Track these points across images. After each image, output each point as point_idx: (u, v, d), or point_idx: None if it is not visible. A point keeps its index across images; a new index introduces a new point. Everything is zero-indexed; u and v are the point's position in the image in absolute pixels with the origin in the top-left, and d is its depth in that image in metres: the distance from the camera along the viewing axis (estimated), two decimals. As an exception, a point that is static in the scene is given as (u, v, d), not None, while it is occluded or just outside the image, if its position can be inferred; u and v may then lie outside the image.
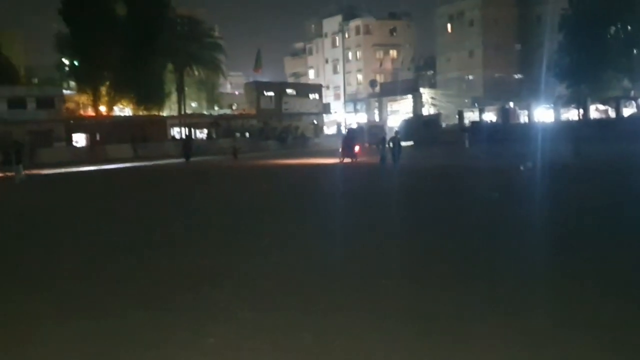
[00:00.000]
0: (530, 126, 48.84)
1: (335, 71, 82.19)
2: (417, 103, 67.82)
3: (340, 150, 32.36)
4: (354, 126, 63.15)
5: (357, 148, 31.96)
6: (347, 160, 30.75)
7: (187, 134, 54.84)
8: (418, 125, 53.88)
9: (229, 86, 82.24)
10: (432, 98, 69.66)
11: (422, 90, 70.08)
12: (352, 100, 76.87)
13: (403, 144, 29.37)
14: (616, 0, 47.43)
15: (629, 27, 49.42)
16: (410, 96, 68.55)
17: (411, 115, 63.56)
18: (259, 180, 23.16)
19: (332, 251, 8.67)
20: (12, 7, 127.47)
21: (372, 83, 75.52)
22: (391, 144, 27.05)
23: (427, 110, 67.32)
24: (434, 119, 57.46)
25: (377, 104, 73.44)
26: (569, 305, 5.71)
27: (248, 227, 11.00)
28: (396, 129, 39.81)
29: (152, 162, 38.59)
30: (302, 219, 12.09)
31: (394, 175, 22.38)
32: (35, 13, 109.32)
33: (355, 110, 74.95)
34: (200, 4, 74.94)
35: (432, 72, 76.92)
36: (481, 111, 56.26)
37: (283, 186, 20.28)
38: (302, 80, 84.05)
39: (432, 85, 73.31)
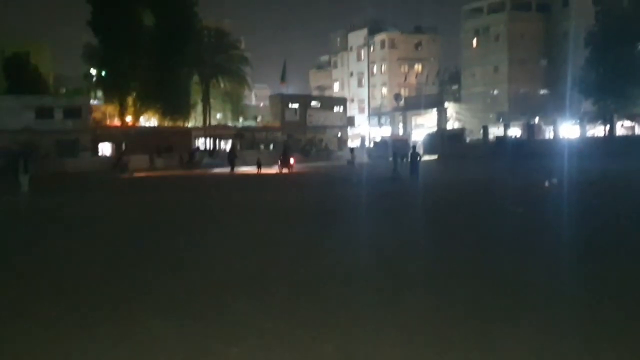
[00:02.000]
0: (555, 142, 48.41)
1: (360, 84, 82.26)
2: (442, 117, 67.63)
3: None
4: (378, 139, 63.20)
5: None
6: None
7: (232, 145, 53.99)
8: (442, 140, 53.67)
9: (253, 98, 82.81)
10: (457, 112, 69.42)
11: (446, 104, 69.89)
12: (377, 113, 76.84)
13: (427, 157, 29.42)
14: (644, 16, 46.95)
15: (657, 44, 48.88)
16: (434, 110, 68.38)
17: (435, 129, 63.37)
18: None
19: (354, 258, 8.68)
20: (43, 17, 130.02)
21: (397, 97, 75.40)
22: (408, 159, 27.09)
23: (452, 125, 67.04)
24: (458, 134, 57.17)
25: (401, 117, 73.32)
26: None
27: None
28: (413, 143, 40.15)
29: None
30: (332, 226, 12.12)
31: (411, 189, 22.32)
32: (64, 24, 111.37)
33: (380, 124, 74.90)
34: (227, 16, 75.52)
35: (456, 86, 76.61)
36: (506, 126, 55.86)
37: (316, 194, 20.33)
38: (327, 93, 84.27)
39: (456, 100, 73.04)
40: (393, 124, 74.54)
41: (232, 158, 40.50)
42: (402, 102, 74.84)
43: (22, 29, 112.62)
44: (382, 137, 65.02)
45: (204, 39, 60.48)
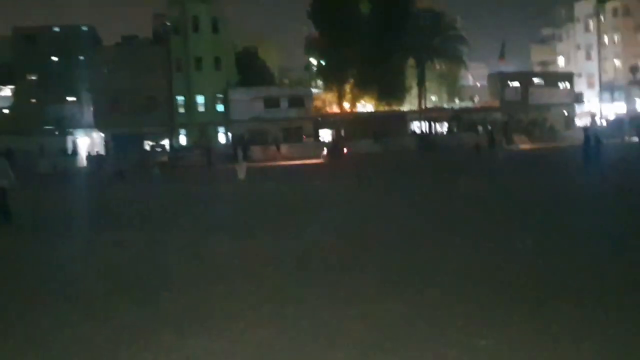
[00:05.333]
0: None
1: (588, 58, 75.43)
2: (690, 89, 59.38)
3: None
4: (611, 118, 57.49)
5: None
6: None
7: (489, 128, 51.44)
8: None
9: (470, 78, 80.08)
10: None
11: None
12: (609, 88, 69.89)
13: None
14: None
15: None
16: (680, 82, 60.32)
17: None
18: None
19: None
20: (268, 14, 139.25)
21: (633, 69, 67.87)
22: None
23: None
24: None
25: (639, 92, 65.83)
26: None
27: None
28: (586, 124, 35.18)
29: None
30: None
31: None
32: (287, 17, 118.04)
33: (612, 100, 68.04)
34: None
35: None
36: None
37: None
38: (550, 68, 78.60)
39: None
40: (628, 99, 67.18)
41: (492, 141, 38.58)
42: (639, 75, 67.16)
43: (249, 24, 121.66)
44: (617, 115, 58.91)
45: (420, 21, 59.56)
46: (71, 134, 58.53)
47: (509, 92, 59.81)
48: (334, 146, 41.11)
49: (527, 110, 58.63)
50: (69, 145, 57.17)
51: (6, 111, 63.57)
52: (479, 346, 4.83)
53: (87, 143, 57.27)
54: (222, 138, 55.44)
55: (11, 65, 62.51)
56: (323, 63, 59.10)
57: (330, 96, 59.49)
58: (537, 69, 78.34)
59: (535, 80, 62.30)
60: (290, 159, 42.34)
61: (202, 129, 53.89)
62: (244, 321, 5.75)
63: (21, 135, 51.17)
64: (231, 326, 5.63)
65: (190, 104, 54.61)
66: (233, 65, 57.56)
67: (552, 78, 64.33)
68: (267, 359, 4.86)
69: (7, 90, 66.53)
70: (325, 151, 41.27)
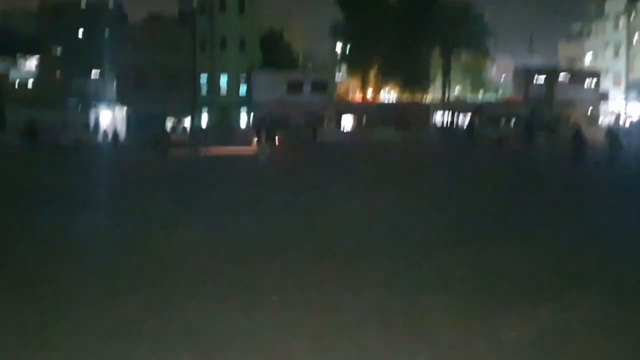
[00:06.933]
0: None
1: (616, 55, 74.27)
2: None
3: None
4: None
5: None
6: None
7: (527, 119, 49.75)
8: None
9: (494, 70, 79.34)
10: None
11: None
12: (635, 87, 68.83)
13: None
14: None
15: None
16: None
17: None
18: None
19: None
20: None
21: (661, 69, 66.60)
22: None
23: None
24: None
25: (666, 92, 64.76)
26: None
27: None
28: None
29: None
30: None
31: None
32: (314, 1, 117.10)
33: (639, 99, 67.05)
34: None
35: None
36: None
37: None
38: (577, 65, 77.55)
39: None
40: (655, 99, 66.13)
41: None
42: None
43: (276, 6, 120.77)
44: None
45: (447, 11, 58.95)
46: (94, 108, 58.87)
47: (534, 87, 59.08)
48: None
49: (551, 106, 57.90)
50: (91, 120, 57.50)
51: (30, 84, 64.02)
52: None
53: (109, 118, 57.52)
54: (243, 120, 55.46)
55: (37, 37, 62.87)
56: (348, 48, 58.81)
57: (354, 83, 59.30)
58: (564, 64, 77.30)
59: (561, 76, 61.45)
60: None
61: (224, 109, 53.92)
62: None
63: (44, 108, 51.43)
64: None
65: (213, 84, 54.57)
66: (257, 47, 57.37)
67: (579, 75, 63.42)
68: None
69: (33, 63, 66.97)
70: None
